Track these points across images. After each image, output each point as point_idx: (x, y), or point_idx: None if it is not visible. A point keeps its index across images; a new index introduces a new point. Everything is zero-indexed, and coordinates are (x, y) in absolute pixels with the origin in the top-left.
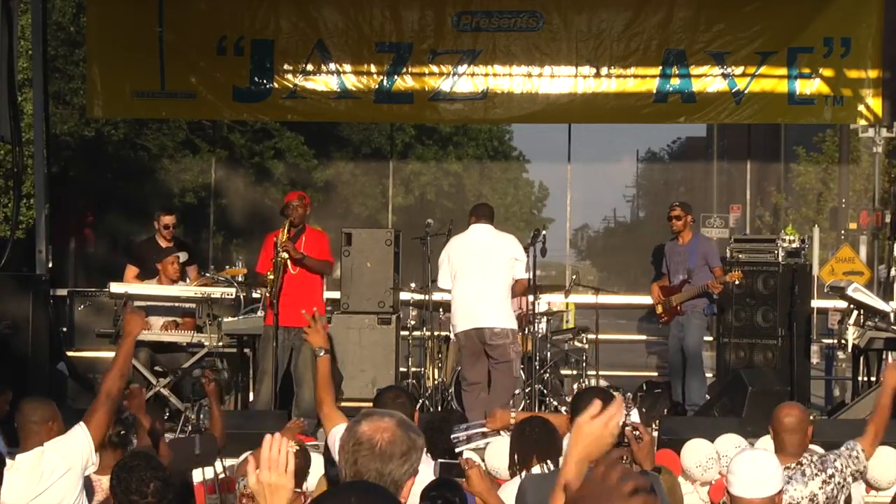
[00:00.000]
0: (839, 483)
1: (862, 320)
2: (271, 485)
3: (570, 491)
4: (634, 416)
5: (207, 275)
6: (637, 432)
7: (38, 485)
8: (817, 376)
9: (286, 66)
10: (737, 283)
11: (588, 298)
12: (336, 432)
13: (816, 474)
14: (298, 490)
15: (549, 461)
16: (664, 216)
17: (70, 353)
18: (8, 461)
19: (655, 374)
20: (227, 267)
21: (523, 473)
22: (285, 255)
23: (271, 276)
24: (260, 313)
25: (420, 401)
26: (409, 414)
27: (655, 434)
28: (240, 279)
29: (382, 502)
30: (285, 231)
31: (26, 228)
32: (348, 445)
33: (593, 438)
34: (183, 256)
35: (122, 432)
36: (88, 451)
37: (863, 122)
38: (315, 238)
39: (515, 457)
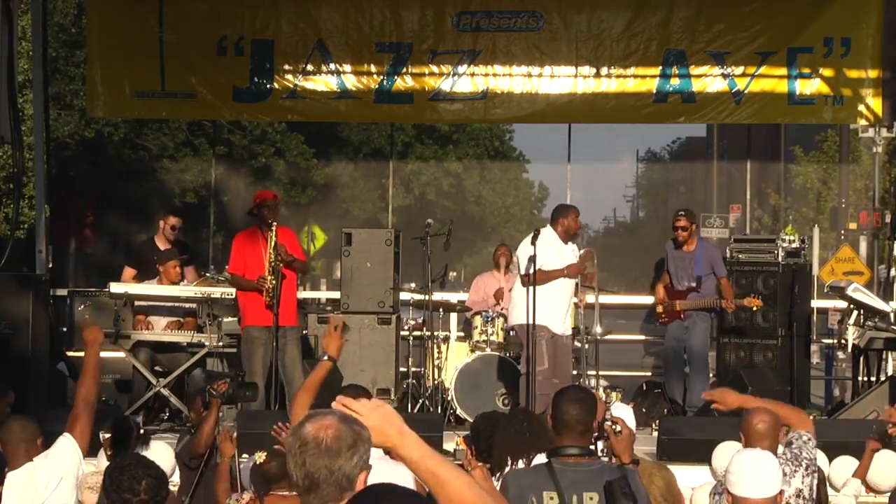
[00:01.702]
0: (813, 470)
1: (862, 320)
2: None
3: None
4: (617, 411)
5: (208, 275)
6: (616, 426)
7: (35, 499)
8: (817, 376)
9: (286, 66)
10: (755, 309)
11: (588, 298)
12: None
13: (795, 470)
14: (287, 493)
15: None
16: (664, 216)
17: (70, 353)
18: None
19: (652, 373)
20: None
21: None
22: (281, 258)
23: (269, 284)
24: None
25: (420, 401)
26: None
27: (655, 434)
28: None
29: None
30: (274, 233)
31: (27, 229)
32: (295, 448)
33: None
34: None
35: (143, 432)
36: (78, 459)
37: (863, 122)
38: (288, 237)
39: (495, 451)
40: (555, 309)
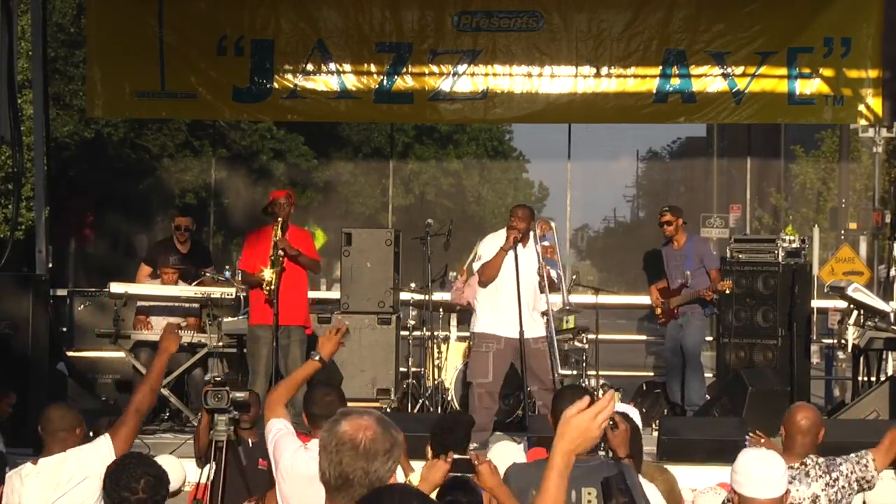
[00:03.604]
0: (843, 487)
1: (862, 320)
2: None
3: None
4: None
5: (207, 275)
6: (612, 422)
7: (55, 491)
8: (817, 376)
9: (286, 66)
10: (727, 291)
11: (588, 298)
12: (274, 423)
13: (820, 476)
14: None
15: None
16: None
17: (70, 353)
18: (29, 465)
19: (653, 374)
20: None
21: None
22: (282, 252)
23: (268, 277)
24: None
25: (420, 401)
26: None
27: (655, 434)
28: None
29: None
30: (279, 228)
31: (26, 229)
32: (331, 445)
33: (580, 431)
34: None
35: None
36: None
37: (863, 122)
38: (300, 236)
39: None
40: (504, 313)
